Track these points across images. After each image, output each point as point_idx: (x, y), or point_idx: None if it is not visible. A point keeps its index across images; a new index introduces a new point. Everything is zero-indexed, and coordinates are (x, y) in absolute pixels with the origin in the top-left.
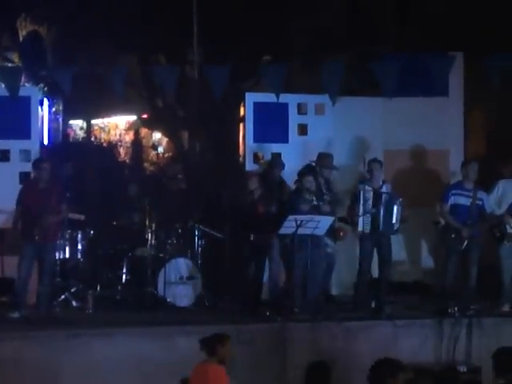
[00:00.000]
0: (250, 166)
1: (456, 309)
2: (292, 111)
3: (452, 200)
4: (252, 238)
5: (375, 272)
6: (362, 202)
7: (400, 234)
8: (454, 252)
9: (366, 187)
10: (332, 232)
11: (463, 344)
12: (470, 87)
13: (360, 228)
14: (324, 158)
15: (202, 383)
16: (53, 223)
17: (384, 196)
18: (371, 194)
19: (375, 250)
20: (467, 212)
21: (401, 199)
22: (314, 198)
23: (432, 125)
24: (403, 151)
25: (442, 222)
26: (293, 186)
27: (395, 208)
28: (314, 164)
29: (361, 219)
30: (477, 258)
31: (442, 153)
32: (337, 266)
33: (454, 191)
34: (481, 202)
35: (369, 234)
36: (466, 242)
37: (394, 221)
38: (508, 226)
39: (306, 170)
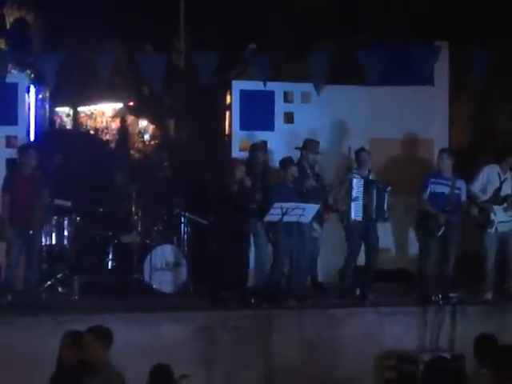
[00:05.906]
0: (236, 153)
1: (440, 296)
2: (278, 99)
3: (432, 188)
4: (236, 226)
5: (360, 259)
6: (353, 190)
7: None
8: (432, 238)
9: (357, 175)
10: (319, 217)
11: (447, 332)
12: (455, 77)
13: (352, 216)
14: (310, 144)
15: None
16: (37, 209)
17: (375, 184)
18: (362, 182)
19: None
20: (445, 200)
21: (390, 187)
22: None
23: (417, 114)
24: (388, 140)
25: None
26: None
27: (386, 196)
28: (299, 149)
29: (352, 207)
30: (455, 244)
31: (427, 142)
32: (323, 254)
33: (433, 179)
34: (459, 191)
35: (358, 222)
36: (442, 228)
37: (385, 208)
38: (492, 214)
39: (288, 159)
